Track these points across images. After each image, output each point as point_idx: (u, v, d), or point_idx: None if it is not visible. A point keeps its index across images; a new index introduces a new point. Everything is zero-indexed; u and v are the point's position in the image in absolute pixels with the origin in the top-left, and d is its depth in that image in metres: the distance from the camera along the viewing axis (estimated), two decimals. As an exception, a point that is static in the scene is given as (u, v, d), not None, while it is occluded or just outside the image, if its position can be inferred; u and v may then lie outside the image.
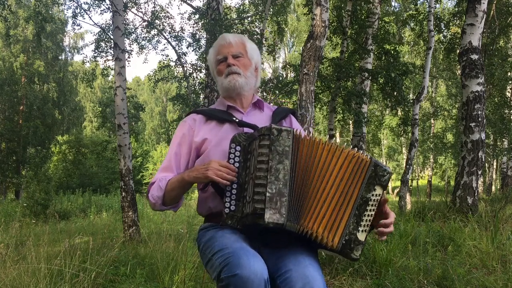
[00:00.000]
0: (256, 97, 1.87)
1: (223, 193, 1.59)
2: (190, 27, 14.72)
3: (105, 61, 13.09)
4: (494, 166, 21.15)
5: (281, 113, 1.85)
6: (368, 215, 1.52)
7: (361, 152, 1.53)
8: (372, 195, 1.51)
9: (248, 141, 1.57)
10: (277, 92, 11.23)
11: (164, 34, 14.51)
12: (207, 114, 1.80)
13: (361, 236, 1.52)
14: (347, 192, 1.50)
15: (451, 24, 13.04)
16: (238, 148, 1.57)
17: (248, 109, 1.83)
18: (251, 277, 1.33)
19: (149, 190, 1.74)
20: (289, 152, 1.49)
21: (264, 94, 11.61)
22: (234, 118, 1.73)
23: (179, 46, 14.45)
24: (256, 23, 14.22)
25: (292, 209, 1.49)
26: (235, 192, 1.56)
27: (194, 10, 13.96)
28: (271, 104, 10.88)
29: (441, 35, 13.86)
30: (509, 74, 14.53)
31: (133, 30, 14.50)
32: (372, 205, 1.52)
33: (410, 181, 15.59)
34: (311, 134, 1.63)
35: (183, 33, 14.44)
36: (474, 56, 6.72)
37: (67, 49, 32.05)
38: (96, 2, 11.87)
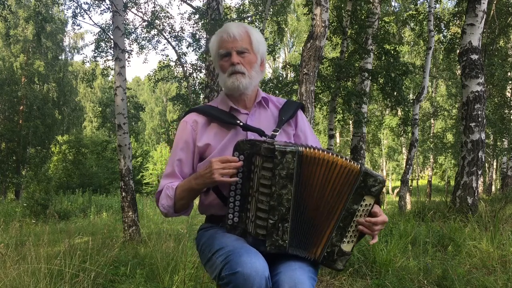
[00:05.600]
0: (260, 94, 1.76)
1: (226, 200, 1.56)
2: (190, 27, 14.74)
3: (105, 61, 13.11)
4: (494, 166, 21.14)
5: (288, 111, 1.75)
6: (356, 226, 1.50)
7: (353, 161, 1.48)
8: (361, 205, 1.48)
9: (252, 150, 1.49)
10: (277, 92, 11.23)
11: (164, 34, 14.52)
12: (209, 115, 1.70)
13: (347, 247, 1.51)
14: (334, 205, 1.49)
15: (451, 24, 13.04)
16: (241, 157, 1.51)
17: (252, 109, 1.73)
18: (252, 275, 1.33)
19: (157, 199, 1.72)
20: (293, 175, 1.45)
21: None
22: (238, 122, 1.66)
23: (179, 46, 14.49)
24: (256, 23, 14.22)
25: (296, 234, 1.49)
26: (238, 203, 1.53)
27: (194, 10, 13.96)
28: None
29: (441, 35, 13.86)
30: (509, 74, 14.53)
31: (133, 30, 14.50)
32: (360, 216, 1.49)
33: (410, 181, 15.58)
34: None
35: (183, 33, 14.47)
36: (474, 56, 6.72)
37: (67, 49, 32.07)
38: (96, 2, 11.87)
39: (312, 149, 1.48)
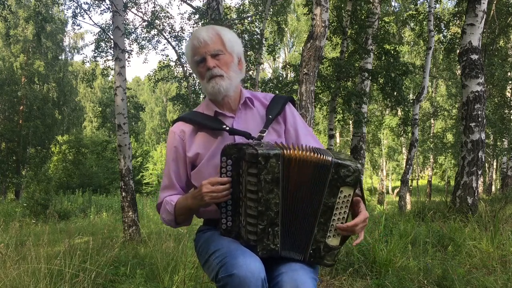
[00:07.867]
0: (244, 94, 1.73)
1: (219, 204, 1.57)
2: (190, 27, 14.72)
3: (105, 61, 13.13)
4: (494, 166, 21.14)
5: (275, 108, 1.72)
6: (338, 219, 1.48)
7: (325, 155, 1.46)
8: (339, 198, 1.46)
9: (239, 154, 1.48)
10: (277, 92, 11.23)
11: (164, 34, 14.53)
12: (196, 123, 1.70)
13: (333, 242, 1.50)
14: (315, 202, 1.48)
15: (451, 24, 13.04)
16: (229, 162, 1.50)
17: (237, 111, 1.71)
18: (248, 277, 1.33)
19: (159, 211, 1.76)
20: (279, 179, 1.44)
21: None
22: (225, 126, 1.64)
23: (179, 46, 14.50)
24: (256, 23, 14.22)
25: (287, 236, 1.49)
26: (230, 208, 1.53)
27: (194, 10, 13.97)
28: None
29: (441, 35, 13.86)
30: (509, 74, 14.53)
31: (133, 30, 14.52)
32: (340, 208, 1.48)
33: (410, 181, 15.58)
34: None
35: (183, 33, 14.47)
36: (474, 56, 6.72)
37: (67, 49, 32.09)
38: (96, 2, 11.88)
39: (295, 150, 1.47)
